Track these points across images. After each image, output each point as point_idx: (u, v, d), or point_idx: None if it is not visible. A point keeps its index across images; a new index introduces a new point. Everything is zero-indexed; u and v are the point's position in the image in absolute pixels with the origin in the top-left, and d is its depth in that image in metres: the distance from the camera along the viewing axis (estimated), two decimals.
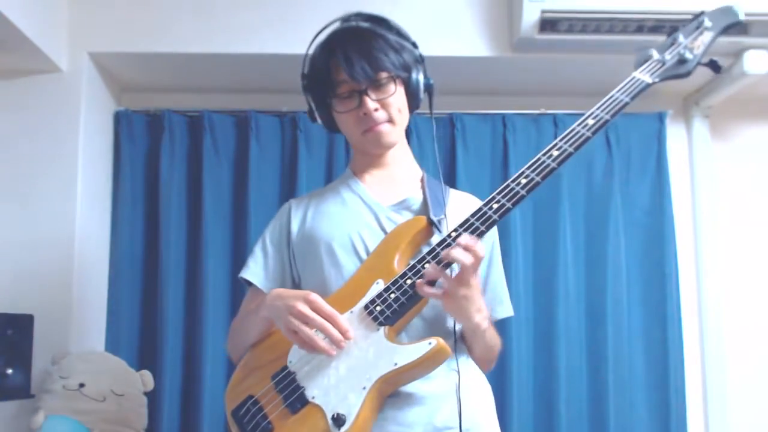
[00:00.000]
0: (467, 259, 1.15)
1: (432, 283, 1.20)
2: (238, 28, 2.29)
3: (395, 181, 1.45)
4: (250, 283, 1.47)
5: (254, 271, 1.46)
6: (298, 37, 2.29)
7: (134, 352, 2.38)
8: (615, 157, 2.52)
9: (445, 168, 2.50)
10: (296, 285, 1.45)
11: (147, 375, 2.11)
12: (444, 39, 2.30)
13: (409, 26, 2.30)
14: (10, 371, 1.94)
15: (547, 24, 2.17)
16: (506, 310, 1.47)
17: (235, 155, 2.50)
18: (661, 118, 2.56)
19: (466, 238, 1.17)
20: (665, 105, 2.62)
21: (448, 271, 1.20)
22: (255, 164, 2.45)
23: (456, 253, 1.15)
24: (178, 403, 2.35)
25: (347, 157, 2.45)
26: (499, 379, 2.38)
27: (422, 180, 1.46)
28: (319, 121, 1.45)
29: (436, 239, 1.29)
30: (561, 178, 2.49)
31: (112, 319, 2.38)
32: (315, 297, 1.21)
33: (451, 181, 2.47)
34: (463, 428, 1.24)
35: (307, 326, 1.19)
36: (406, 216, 1.38)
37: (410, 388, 1.24)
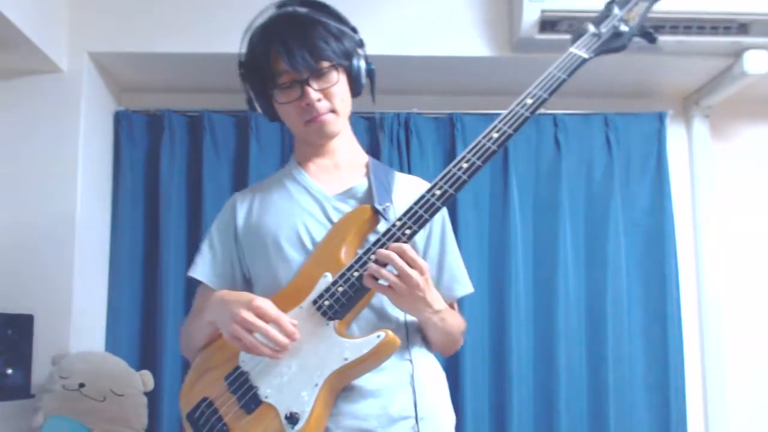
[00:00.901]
0: (392, 254, 1.17)
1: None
2: (238, 28, 2.28)
3: (340, 169, 1.42)
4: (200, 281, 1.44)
5: (202, 269, 1.43)
6: None
7: (134, 352, 2.38)
8: (615, 157, 2.52)
9: (446, 168, 2.50)
10: (247, 280, 1.43)
11: (147, 375, 2.11)
12: (444, 39, 2.30)
13: (409, 26, 2.32)
14: (10, 371, 1.95)
15: (547, 24, 2.17)
16: (465, 287, 1.44)
17: (235, 155, 2.50)
18: (661, 118, 2.56)
19: (394, 247, 1.18)
20: (665, 105, 2.62)
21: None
22: (255, 164, 2.44)
23: (383, 251, 1.17)
24: (178, 403, 2.35)
25: None
26: (499, 378, 2.39)
27: (367, 166, 1.43)
28: (259, 111, 1.41)
29: (383, 227, 1.28)
30: (561, 178, 2.49)
31: (112, 319, 2.38)
32: (259, 303, 1.19)
33: None
34: (418, 417, 1.25)
35: (251, 333, 1.17)
36: (352, 205, 1.35)
37: (363, 380, 1.23)
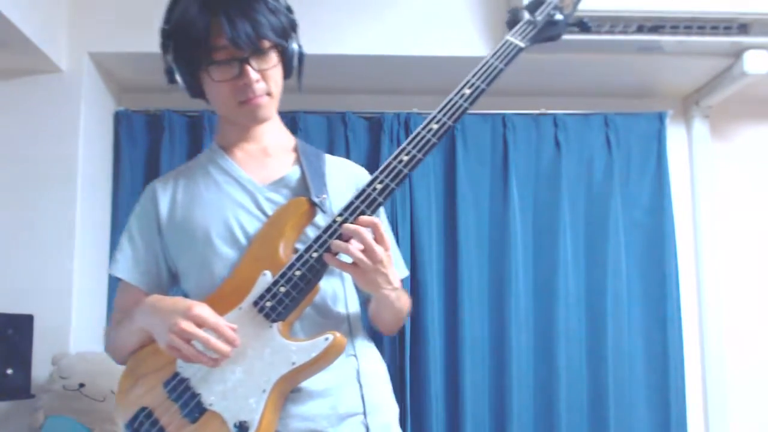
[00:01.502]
0: (368, 236, 1.13)
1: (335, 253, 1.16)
2: None
3: (269, 155, 1.35)
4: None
5: (124, 266, 1.33)
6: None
7: None
8: (615, 157, 2.52)
9: (446, 168, 2.51)
10: (173, 274, 1.36)
11: None
12: (444, 39, 2.30)
13: (409, 26, 2.32)
14: (10, 371, 1.95)
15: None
16: (401, 270, 1.39)
17: None
18: (661, 118, 2.56)
19: (364, 220, 1.15)
20: (665, 105, 2.63)
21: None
22: None
23: (351, 227, 1.14)
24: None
25: (346, 152, 2.44)
26: (499, 379, 2.39)
27: (296, 150, 1.37)
28: (180, 84, 1.30)
29: (319, 219, 1.25)
30: (561, 178, 2.49)
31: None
32: (197, 311, 1.13)
33: (452, 181, 2.48)
34: (366, 412, 1.23)
35: (189, 342, 1.12)
36: (286, 195, 1.29)
37: (310, 381, 1.19)
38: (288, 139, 1.40)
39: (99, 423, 1.95)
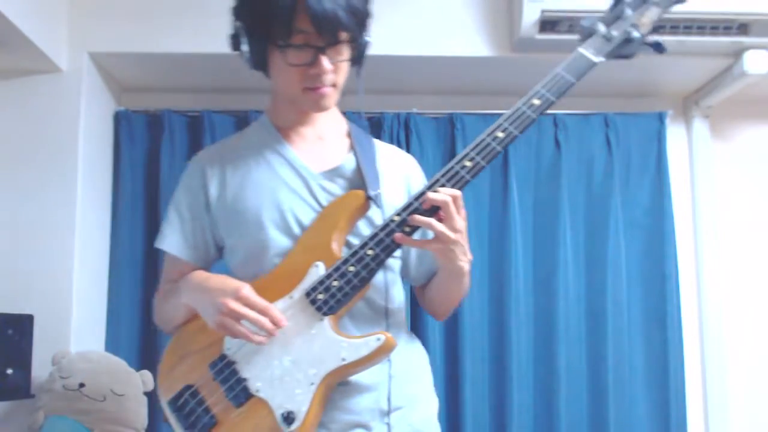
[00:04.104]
0: (448, 198, 1.15)
1: (410, 233, 1.17)
2: None
3: (324, 141, 1.34)
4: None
5: (172, 240, 1.33)
6: None
7: (134, 352, 2.38)
8: (615, 157, 2.52)
9: None
10: (219, 248, 1.35)
11: (147, 375, 2.11)
12: (444, 39, 2.30)
13: (409, 26, 2.32)
14: (10, 371, 1.95)
15: (547, 24, 2.17)
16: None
17: None
18: (661, 118, 2.56)
19: (447, 191, 1.17)
20: (665, 105, 2.63)
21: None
22: None
23: (437, 196, 1.15)
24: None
25: None
26: (499, 378, 2.39)
27: (349, 136, 1.36)
28: (245, 54, 1.25)
29: (373, 213, 1.26)
30: (561, 178, 2.49)
31: (112, 319, 2.38)
32: (246, 292, 1.15)
33: None
34: (407, 406, 1.24)
35: (239, 322, 1.14)
36: (341, 185, 1.29)
37: (357, 375, 1.21)
38: (342, 125, 1.39)
39: (99, 423, 1.95)
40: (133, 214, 2.46)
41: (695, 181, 2.62)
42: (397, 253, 1.24)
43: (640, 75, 2.51)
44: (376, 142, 1.39)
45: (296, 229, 1.25)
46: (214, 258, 1.37)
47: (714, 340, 2.55)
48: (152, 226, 2.45)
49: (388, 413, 1.24)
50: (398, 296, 1.33)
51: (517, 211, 2.46)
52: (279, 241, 1.25)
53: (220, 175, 1.31)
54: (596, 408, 2.40)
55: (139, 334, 2.41)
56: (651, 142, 2.55)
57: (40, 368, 2.04)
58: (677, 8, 2.25)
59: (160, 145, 2.46)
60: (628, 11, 1.26)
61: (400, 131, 2.48)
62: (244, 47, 1.24)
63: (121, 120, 2.49)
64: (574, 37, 2.20)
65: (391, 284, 1.29)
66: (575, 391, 2.39)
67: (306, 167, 1.29)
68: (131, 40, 2.27)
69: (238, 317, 1.14)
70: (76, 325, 2.17)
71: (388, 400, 1.24)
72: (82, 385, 1.96)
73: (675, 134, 2.64)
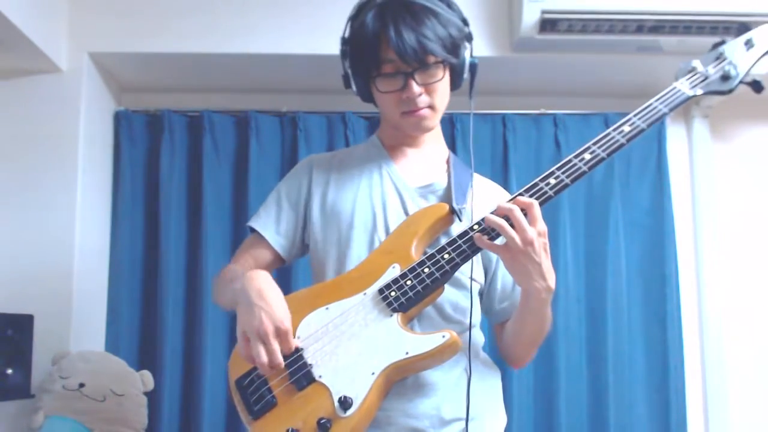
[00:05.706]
0: (514, 206, 1.18)
1: (491, 238, 1.20)
2: (238, 28, 2.29)
3: (426, 161, 1.42)
4: (253, 230, 1.42)
5: (265, 222, 1.41)
6: (297, 38, 2.30)
7: (134, 352, 2.38)
8: (615, 157, 2.50)
9: None
10: (305, 246, 1.42)
11: (147, 375, 2.11)
12: None
13: None
14: (10, 371, 1.95)
15: (547, 24, 2.17)
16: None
17: (235, 155, 2.50)
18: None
19: (520, 201, 1.20)
20: None
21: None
22: (255, 164, 2.45)
23: (506, 204, 1.18)
24: (178, 403, 2.35)
25: None
26: None
27: (448, 162, 1.43)
28: (354, 89, 1.38)
29: (455, 228, 1.30)
30: None
31: (112, 319, 2.38)
32: (287, 327, 1.17)
33: None
34: (469, 419, 1.24)
35: (262, 347, 1.15)
36: (431, 200, 1.36)
37: (419, 378, 1.23)
38: (443, 150, 1.47)
39: (99, 423, 1.95)
40: (133, 214, 2.46)
41: (695, 182, 2.62)
42: (479, 276, 1.32)
43: (640, 75, 2.51)
44: (477, 176, 1.45)
45: (382, 234, 1.32)
46: (296, 254, 1.43)
47: (714, 340, 2.55)
48: (152, 226, 2.46)
49: (447, 423, 1.25)
50: (476, 317, 1.36)
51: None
52: (364, 242, 1.32)
53: (325, 178, 1.41)
54: (596, 408, 2.40)
55: (139, 334, 2.42)
56: (651, 142, 2.55)
57: (40, 368, 2.04)
58: (677, 8, 2.25)
59: (160, 145, 2.46)
60: (727, 53, 1.35)
61: None
62: (353, 83, 1.37)
63: (121, 120, 2.49)
64: (574, 36, 2.20)
65: (473, 304, 1.31)
66: (575, 391, 2.39)
67: (403, 180, 1.38)
68: (131, 40, 2.27)
69: (264, 342, 1.15)
70: (76, 325, 2.17)
71: (466, 408, 1.24)
72: (82, 385, 1.96)
73: (675, 134, 2.64)
